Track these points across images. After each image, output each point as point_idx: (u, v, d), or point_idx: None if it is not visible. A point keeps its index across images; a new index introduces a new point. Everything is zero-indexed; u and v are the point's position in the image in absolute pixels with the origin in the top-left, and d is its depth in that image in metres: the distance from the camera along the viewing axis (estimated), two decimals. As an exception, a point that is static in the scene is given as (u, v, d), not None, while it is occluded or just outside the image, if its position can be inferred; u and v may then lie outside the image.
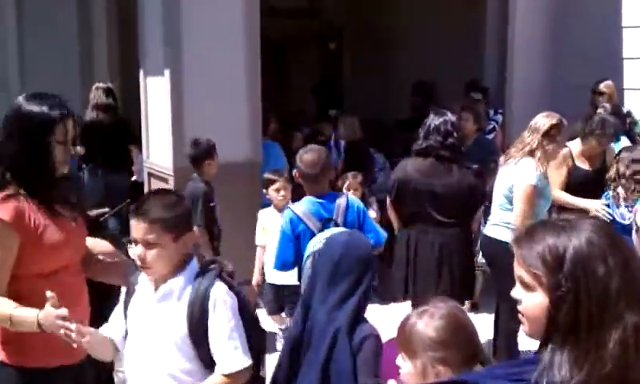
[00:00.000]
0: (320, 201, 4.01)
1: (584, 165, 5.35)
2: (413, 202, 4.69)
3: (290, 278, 4.47)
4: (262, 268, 5.24)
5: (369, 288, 2.72)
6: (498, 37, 7.89)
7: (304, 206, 4.00)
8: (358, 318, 2.67)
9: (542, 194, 4.62)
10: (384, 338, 2.72)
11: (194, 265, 2.52)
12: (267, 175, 5.30)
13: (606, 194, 4.99)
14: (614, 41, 7.35)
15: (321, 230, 3.84)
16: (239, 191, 5.61)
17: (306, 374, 2.68)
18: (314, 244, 3.71)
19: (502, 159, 5.18)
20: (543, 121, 4.67)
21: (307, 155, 4.08)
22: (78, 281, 2.78)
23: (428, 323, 2.03)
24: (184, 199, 2.69)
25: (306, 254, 3.78)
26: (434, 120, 4.75)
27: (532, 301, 1.56)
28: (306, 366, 2.69)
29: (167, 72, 5.93)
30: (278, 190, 5.14)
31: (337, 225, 3.89)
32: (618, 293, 1.46)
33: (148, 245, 2.39)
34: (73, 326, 2.32)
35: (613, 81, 6.92)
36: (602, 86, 6.83)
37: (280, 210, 5.05)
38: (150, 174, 6.53)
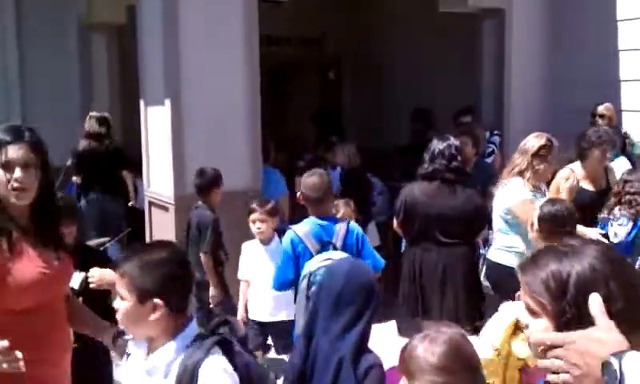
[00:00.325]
0: (321, 223, 4.14)
1: (589, 186, 5.35)
2: (420, 224, 4.81)
3: (274, 315, 4.91)
4: (246, 304, 5.14)
5: (372, 317, 2.71)
6: (494, 61, 7.95)
7: (305, 228, 4.13)
8: (362, 347, 2.66)
9: None
10: (387, 364, 2.72)
11: (191, 329, 2.15)
12: (251, 205, 5.12)
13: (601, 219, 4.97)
14: (611, 64, 7.40)
15: (319, 252, 3.96)
16: (239, 219, 5.60)
17: None
18: (312, 265, 3.84)
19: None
20: (533, 142, 4.71)
21: (310, 179, 4.22)
22: (55, 320, 2.67)
23: (428, 348, 2.01)
24: (174, 262, 2.20)
25: (303, 273, 3.88)
26: (438, 144, 4.88)
27: (538, 327, 1.57)
28: None
29: (167, 101, 5.96)
30: (254, 222, 5.02)
31: (335, 248, 4.00)
32: (622, 317, 1.45)
33: (120, 297, 2.16)
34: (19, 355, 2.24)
35: (611, 103, 6.97)
36: (602, 109, 6.87)
37: (263, 242, 5.05)
38: (150, 203, 6.55)
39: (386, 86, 10.50)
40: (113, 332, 2.72)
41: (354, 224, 4.36)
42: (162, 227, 6.28)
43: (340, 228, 4.13)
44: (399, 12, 9.99)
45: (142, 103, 6.55)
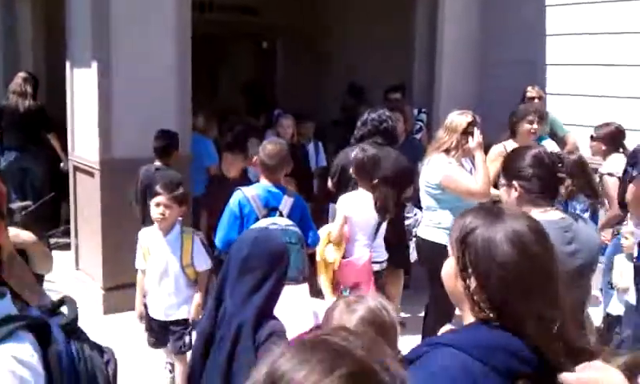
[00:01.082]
0: (271, 189, 4.33)
1: None
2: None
3: (169, 315, 4.45)
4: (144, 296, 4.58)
5: (278, 284, 2.72)
6: (426, 40, 8.04)
7: (254, 191, 4.32)
8: (264, 312, 2.66)
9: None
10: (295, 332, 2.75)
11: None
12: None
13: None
14: (539, 47, 7.58)
15: (265, 217, 4.14)
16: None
17: (211, 368, 2.66)
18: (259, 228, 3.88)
19: None
20: (460, 119, 4.72)
21: (269, 146, 4.43)
22: None
23: (346, 313, 2.05)
24: None
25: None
26: (370, 113, 5.47)
27: (447, 265, 1.70)
28: (212, 361, 2.67)
29: (94, 64, 5.80)
30: (157, 205, 4.32)
31: (281, 215, 4.18)
32: (520, 283, 1.53)
33: None
34: None
35: (539, 85, 7.15)
36: (533, 91, 7.01)
37: (163, 230, 4.37)
38: (75, 168, 6.38)
39: (320, 59, 10.49)
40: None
41: (299, 196, 4.56)
42: (88, 192, 6.15)
43: (288, 196, 4.35)
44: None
45: (67, 64, 6.36)
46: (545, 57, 7.58)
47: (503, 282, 1.53)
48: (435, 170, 4.66)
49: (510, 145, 5.44)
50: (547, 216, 2.86)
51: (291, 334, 2.73)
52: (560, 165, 3.14)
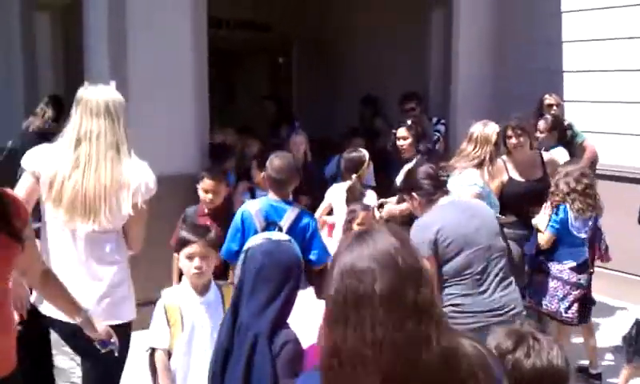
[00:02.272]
0: (276, 205, 4.28)
1: (518, 177, 5.31)
2: None
3: None
4: None
5: (291, 295, 2.74)
6: (442, 50, 8.04)
7: (258, 205, 4.29)
8: (278, 323, 2.69)
9: (486, 203, 4.67)
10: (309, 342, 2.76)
11: None
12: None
13: (561, 206, 5.00)
14: (556, 54, 7.55)
15: (264, 230, 4.06)
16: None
17: (229, 381, 2.69)
18: (252, 240, 3.77)
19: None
20: (489, 130, 4.73)
21: (276, 161, 4.35)
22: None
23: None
24: None
25: (244, 248, 3.78)
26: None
27: None
28: (230, 373, 2.69)
29: (113, 82, 5.85)
30: (190, 258, 3.47)
31: (280, 230, 4.09)
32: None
33: None
34: None
35: (555, 92, 7.12)
36: (552, 99, 6.96)
37: (197, 288, 3.49)
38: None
39: (336, 72, 10.52)
40: (85, 314, 2.91)
41: (307, 213, 4.43)
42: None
43: (291, 212, 4.24)
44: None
45: (86, 83, 6.41)
46: (562, 64, 7.55)
47: None
48: (467, 184, 4.61)
49: (507, 159, 5.33)
50: (447, 200, 3.81)
51: (303, 338, 2.74)
52: (441, 172, 4.01)
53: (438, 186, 3.86)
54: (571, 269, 4.93)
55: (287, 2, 10.75)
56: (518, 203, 5.22)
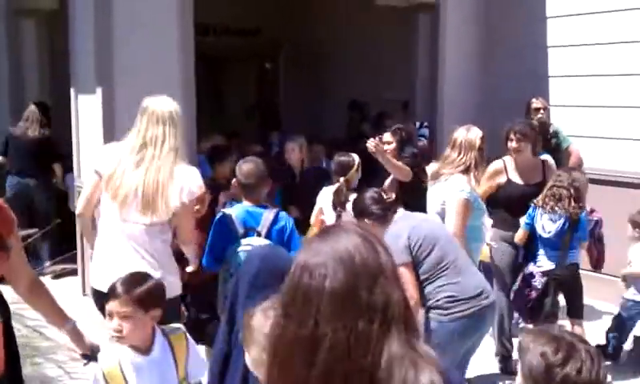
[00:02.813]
0: (251, 210, 4.24)
1: (518, 179, 5.36)
2: None
3: None
4: None
5: None
6: (429, 55, 8.06)
7: (235, 211, 4.25)
8: None
9: (474, 207, 4.71)
10: None
11: None
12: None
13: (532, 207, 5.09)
14: (541, 59, 7.60)
15: (243, 237, 4.08)
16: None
17: None
18: (233, 250, 4.02)
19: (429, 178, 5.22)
20: (473, 135, 4.74)
21: (244, 166, 4.35)
22: None
23: (265, 319, 2.12)
24: None
25: (226, 256, 4.06)
26: None
27: None
28: (229, 378, 2.69)
29: (99, 90, 5.85)
30: (110, 316, 2.86)
31: (259, 235, 4.12)
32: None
33: None
34: None
35: (542, 97, 7.16)
36: (539, 102, 7.00)
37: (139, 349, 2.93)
38: (80, 193, 6.40)
39: (323, 77, 10.55)
40: (72, 325, 2.91)
41: (283, 214, 4.38)
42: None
43: (267, 216, 4.22)
44: (336, 4, 10.05)
45: (72, 90, 6.40)
46: (547, 68, 7.59)
47: None
48: (455, 190, 4.63)
49: (509, 161, 5.40)
50: (399, 214, 4.06)
51: None
52: (385, 196, 4.29)
53: (387, 208, 4.05)
54: (542, 271, 5.04)
55: (274, 8, 10.77)
56: (513, 205, 5.28)
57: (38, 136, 7.52)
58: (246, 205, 4.29)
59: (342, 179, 5.46)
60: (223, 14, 10.10)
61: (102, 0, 5.81)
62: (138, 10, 5.88)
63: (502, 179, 5.35)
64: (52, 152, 7.60)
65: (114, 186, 3.62)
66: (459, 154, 4.73)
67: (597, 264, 5.58)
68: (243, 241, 4.04)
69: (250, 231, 4.14)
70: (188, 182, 3.68)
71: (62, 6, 7.25)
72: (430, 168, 5.39)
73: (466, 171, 4.70)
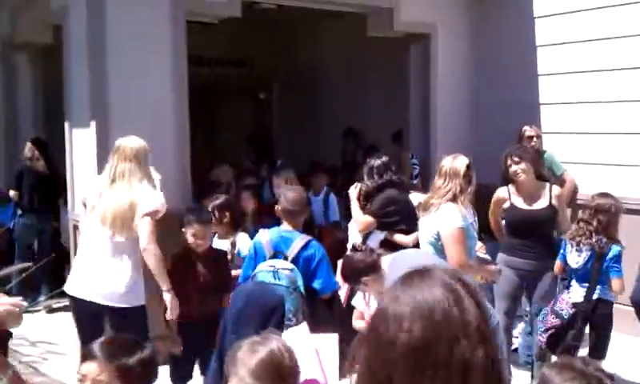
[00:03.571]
0: (285, 234, 4.54)
1: (522, 204, 5.40)
2: None
3: None
4: None
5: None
6: (421, 84, 8.12)
7: (269, 235, 4.57)
8: None
9: (468, 235, 4.64)
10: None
11: None
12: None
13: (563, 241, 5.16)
14: (533, 87, 7.65)
15: (272, 258, 4.37)
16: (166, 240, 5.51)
17: None
18: (258, 267, 4.32)
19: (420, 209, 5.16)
20: (458, 163, 4.70)
21: (290, 194, 4.70)
22: None
23: (248, 353, 2.14)
24: None
25: (252, 273, 4.34)
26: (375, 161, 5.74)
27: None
28: None
29: (93, 123, 5.86)
30: (196, 236, 4.70)
31: (286, 259, 4.37)
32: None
33: None
34: None
35: (533, 125, 7.20)
36: (531, 130, 7.04)
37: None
38: (75, 227, 6.39)
39: (317, 106, 10.60)
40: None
41: (315, 243, 4.57)
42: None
43: (298, 242, 4.47)
44: (328, 34, 10.14)
45: (66, 125, 6.42)
46: (539, 96, 7.65)
47: None
48: (448, 220, 4.56)
49: (512, 187, 5.46)
50: (389, 258, 3.92)
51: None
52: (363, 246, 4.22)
53: (375, 260, 3.94)
54: (571, 302, 5.05)
55: (267, 39, 10.85)
56: (517, 229, 5.39)
57: (47, 170, 7.71)
58: (282, 229, 4.58)
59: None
60: (217, 45, 10.16)
61: (96, 35, 5.82)
62: (132, 45, 5.91)
63: (506, 204, 5.48)
64: (59, 186, 7.66)
65: (96, 211, 4.51)
66: (444, 181, 4.72)
67: None
68: (267, 261, 4.33)
69: (278, 254, 4.40)
70: (143, 204, 4.43)
71: (56, 41, 7.29)
72: (419, 198, 5.40)
73: (454, 199, 4.68)
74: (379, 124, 8.36)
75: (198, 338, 4.55)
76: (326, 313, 4.84)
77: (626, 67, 6.84)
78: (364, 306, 4.19)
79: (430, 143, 7.97)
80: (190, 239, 4.74)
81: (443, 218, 4.58)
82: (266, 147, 9.86)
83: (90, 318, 4.43)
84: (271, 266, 4.25)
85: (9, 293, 3.23)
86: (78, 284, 4.52)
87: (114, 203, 4.43)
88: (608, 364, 5.39)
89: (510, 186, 5.50)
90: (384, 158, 5.84)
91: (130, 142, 4.61)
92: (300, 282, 4.25)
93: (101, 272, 4.44)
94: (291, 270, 4.27)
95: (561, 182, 6.79)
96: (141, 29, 5.95)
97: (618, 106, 6.94)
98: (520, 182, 5.38)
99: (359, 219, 5.68)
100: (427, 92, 8.02)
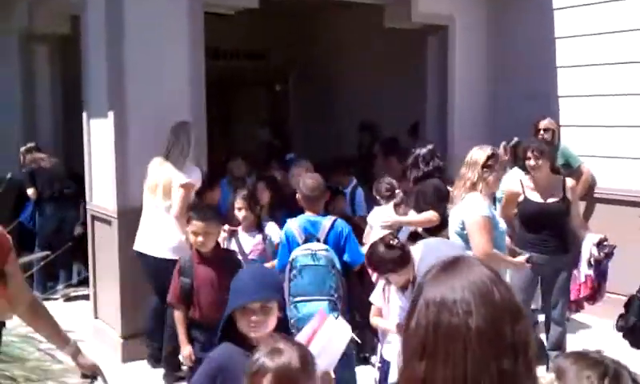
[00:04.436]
0: (312, 219, 4.81)
1: (536, 197, 5.36)
2: None
3: None
4: None
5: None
6: (438, 76, 8.09)
7: (298, 222, 4.81)
8: None
9: (494, 225, 4.64)
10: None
11: None
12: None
13: None
14: (550, 79, 7.60)
15: (305, 243, 4.64)
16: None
17: None
18: (294, 253, 4.59)
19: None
20: (479, 153, 4.75)
21: (309, 181, 4.91)
22: None
23: (271, 359, 2.09)
24: None
25: (289, 260, 4.59)
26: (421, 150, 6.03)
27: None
28: None
29: (111, 114, 5.89)
30: (196, 234, 4.47)
31: (318, 240, 4.67)
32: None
33: None
34: None
35: (551, 117, 7.17)
36: (546, 123, 7.02)
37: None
38: (93, 217, 6.44)
39: (333, 98, 10.59)
40: (74, 346, 2.96)
41: (340, 221, 4.87)
42: (105, 241, 6.19)
43: (326, 224, 4.77)
44: (344, 25, 10.11)
45: (85, 115, 6.46)
46: (557, 89, 7.59)
47: None
48: (472, 209, 4.60)
49: (525, 179, 5.45)
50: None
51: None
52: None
53: (407, 253, 3.93)
54: None
55: (284, 31, 10.84)
56: (530, 222, 5.34)
57: (56, 165, 7.86)
58: (307, 215, 4.84)
59: (397, 196, 5.87)
60: (233, 37, 10.17)
61: (114, 25, 5.85)
62: (150, 36, 5.93)
63: (520, 197, 5.43)
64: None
65: (148, 184, 5.65)
66: (466, 170, 4.77)
67: (592, 298, 5.47)
68: (303, 246, 4.61)
69: (310, 237, 4.68)
70: (177, 177, 5.45)
71: (74, 32, 7.33)
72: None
73: (473, 188, 4.70)
74: (395, 116, 8.34)
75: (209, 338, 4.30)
76: (358, 287, 5.15)
77: (646, 59, 6.79)
78: (382, 303, 4.18)
79: (447, 136, 7.93)
80: (191, 237, 4.54)
81: (468, 207, 4.64)
82: (280, 138, 9.88)
83: (154, 269, 5.49)
84: (307, 249, 4.55)
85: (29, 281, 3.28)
86: (141, 239, 5.66)
87: (160, 176, 5.55)
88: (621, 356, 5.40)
89: (522, 178, 5.48)
90: (430, 146, 6.11)
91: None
92: (337, 261, 4.59)
93: (150, 231, 5.59)
94: (327, 250, 4.59)
95: (577, 174, 6.75)
96: (158, 20, 5.97)
97: (637, 98, 6.88)
98: (536, 176, 5.36)
99: (424, 218, 5.82)
100: (444, 84, 7.98)
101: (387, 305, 4.14)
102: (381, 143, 7.88)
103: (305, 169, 6.55)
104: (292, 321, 4.32)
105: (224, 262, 4.49)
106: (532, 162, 5.32)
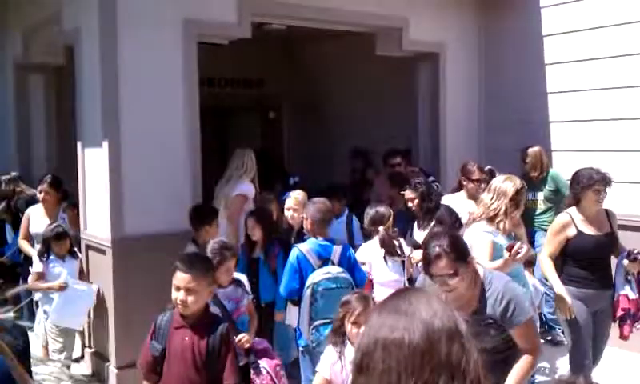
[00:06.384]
0: (321, 243, 5.03)
1: (589, 230, 5.09)
2: None
3: None
4: None
5: None
6: (429, 103, 8.17)
7: (308, 246, 4.99)
8: None
9: (496, 248, 4.67)
10: None
11: None
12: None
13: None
14: (541, 105, 7.68)
15: (320, 267, 4.84)
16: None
17: None
18: (315, 277, 4.75)
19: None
20: (507, 184, 4.77)
21: (320, 205, 5.14)
22: None
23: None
24: None
25: (307, 284, 4.77)
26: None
27: None
28: None
29: (105, 143, 5.91)
30: (178, 288, 3.53)
31: (333, 263, 4.90)
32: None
33: None
34: None
35: (541, 144, 7.23)
36: (529, 151, 7.17)
37: None
38: (87, 246, 6.45)
39: (326, 125, 10.65)
40: None
41: (348, 245, 5.25)
42: (99, 270, 6.19)
43: (337, 248, 5.02)
44: (337, 54, 10.20)
45: (79, 145, 6.48)
46: (548, 114, 7.67)
47: None
48: (478, 235, 4.70)
49: (575, 213, 5.13)
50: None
51: None
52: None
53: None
54: None
55: (277, 59, 10.93)
56: (587, 257, 5.08)
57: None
58: (316, 240, 5.03)
59: (381, 229, 5.50)
60: (227, 66, 10.24)
61: (108, 56, 5.89)
62: (144, 65, 5.98)
63: (571, 232, 5.10)
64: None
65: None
66: (492, 198, 4.81)
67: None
68: (322, 269, 4.81)
69: (325, 262, 4.89)
70: (231, 192, 6.45)
71: (68, 62, 7.38)
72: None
73: (494, 218, 4.74)
74: (388, 142, 8.37)
75: None
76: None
77: (635, 85, 6.86)
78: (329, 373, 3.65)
79: (439, 162, 8.00)
80: (173, 294, 3.56)
81: (474, 232, 4.76)
82: (274, 165, 9.90)
83: None
84: (327, 273, 4.78)
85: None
86: None
87: (224, 190, 6.54)
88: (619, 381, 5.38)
89: (571, 211, 5.15)
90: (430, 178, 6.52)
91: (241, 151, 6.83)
92: (352, 282, 4.84)
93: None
94: (344, 272, 4.84)
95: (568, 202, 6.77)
96: (152, 50, 6.02)
97: (629, 123, 6.95)
98: (593, 209, 5.07)
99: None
100: (436, 111, 8.06)
101: (343, 366, 3.57)
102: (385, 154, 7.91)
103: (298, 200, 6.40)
104: (314, 344, 4.60)
105: (205, 330, 3.57)
106: (603, 195, 5.02)
